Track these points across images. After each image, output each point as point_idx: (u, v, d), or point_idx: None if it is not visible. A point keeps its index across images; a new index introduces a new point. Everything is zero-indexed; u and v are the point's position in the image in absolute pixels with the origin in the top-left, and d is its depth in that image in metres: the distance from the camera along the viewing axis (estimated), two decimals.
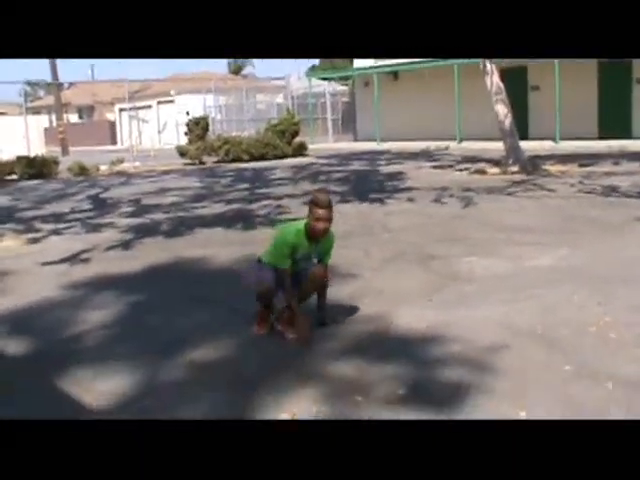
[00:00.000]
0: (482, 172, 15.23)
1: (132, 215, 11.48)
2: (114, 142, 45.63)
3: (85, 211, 12.35)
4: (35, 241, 9.29)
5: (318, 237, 4.76)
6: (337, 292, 5.74)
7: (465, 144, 24.21)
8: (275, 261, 4.80)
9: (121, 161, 22.24)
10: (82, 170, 20.58)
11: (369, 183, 14.60)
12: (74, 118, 51.98)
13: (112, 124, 47.38)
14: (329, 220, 4.73)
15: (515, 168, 14.90)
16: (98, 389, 4.08)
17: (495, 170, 15.22)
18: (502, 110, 15.55)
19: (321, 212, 4.67)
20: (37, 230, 10.23)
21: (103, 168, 21.49)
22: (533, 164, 15.20)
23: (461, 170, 16.07)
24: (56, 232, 9.97)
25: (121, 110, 42.40)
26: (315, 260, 4.95)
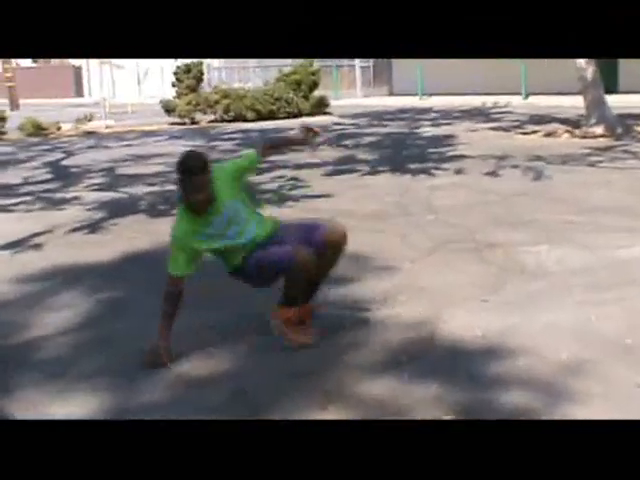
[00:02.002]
0: (555, 135, 15.14)
1: (103, 188, 11.54)
2: (80, 94, 45.87)
3: (42, 182, 12.44)
4: None
5: (204, 209, 4.72)
6: (368, 289, 5.72)
7: (532, 99, 24.09)
8: (173, 270, 4.80)
9: (89, 119, 22.33)
10: (38, 129, 20.74)
11: (408, 149, 14.57)
12: (26, 61, 52.11)
13: (77, 70, 47.50)
14: (205, 187, 4.64)
15: (599, 130, 14.79)
16: (56, 416, 4.07)
17: (572, 133, 15.12)
18: None
19: (195, 180, 4.60)
20: None
21: (66, 127, 21.65)
22: (623, 125, 15.10)
23: (527, 133, 15.99)
24: (2, 209, 10.05)
25: None
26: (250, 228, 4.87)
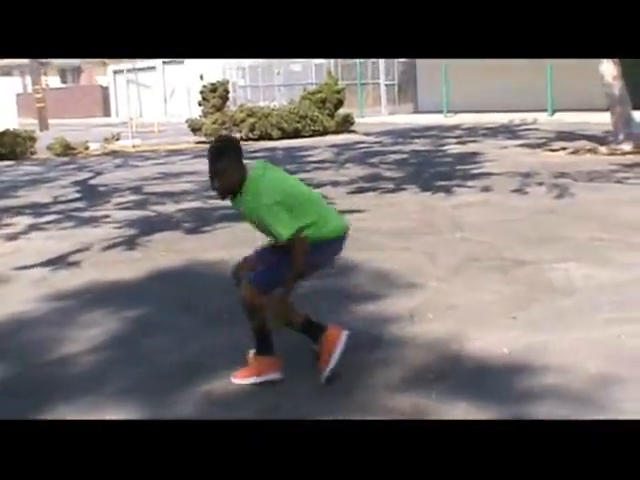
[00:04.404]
0: (582, 152, 15.08)
1: (132, 207, 11.64)
2: (107, 114, 46.21)
3: (71, 201, 12.56)
4: (7, 239, 9.46)
5: (221, 195, 4.80)
6: (395, 307, 5.74)
7: (558, 116, 24.00)
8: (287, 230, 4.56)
9: (117, 138, 22.55)
10: (66, 149, 20.95)
11: (434, 167, 14.58)
12: (55, 82, 52.64)
13: (105, 90, 47.95)
14: (215, 174, 4.64)
15: (627, 147, 14.73)
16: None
17: (599, 150, 15.06)
18: (609, 70, 15.35)
19: (209, 164, 4.63)
20: (9, 225, 10.43)
21: (93, 147, 21.84)
22: None
23: (554, 150, 15.94)
24: (34, 228, 10.15)
25: (116, 72, 42.95)
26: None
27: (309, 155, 17.96)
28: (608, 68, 15.32)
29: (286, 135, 22.90)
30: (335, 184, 12.57)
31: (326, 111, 24.03)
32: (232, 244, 8.44)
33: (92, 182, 15.03)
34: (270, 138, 22.76)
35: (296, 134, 22.99)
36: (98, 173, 16.43)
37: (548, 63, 24.33)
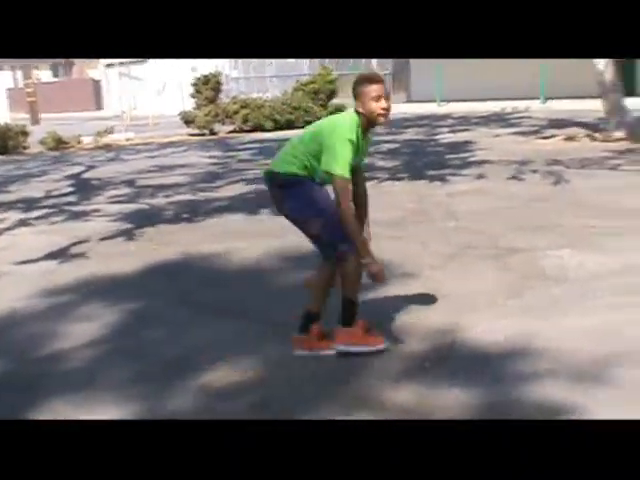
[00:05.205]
0: (575, 139, 15.11)
1: (126, 200, 11.62)
2: (99, 107, 46.15)
3: (64, 195, 12.53)
4: (0, 234, 9.45)
5: (375, 125, 4.80)
6: (390, 296, 5.74)
7: (551, 104, 24.03)
8: (346, 172, 4.54)
9: (110, 131, 22.48)
10: (59, 143, 20.91)
11: (427, 156, 14.59)
12: (47, 76, 52.54)
13: (96, 84, 47.87)
14: (388, 97, 4.73)
15: (619, 133, 14.76)
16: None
17: (592, 137, 15.08)
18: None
19: (378, 88, 4.65)
20: (1, 221, 10.39)
21: (86, 140, 21.81)
22: None
23: (547, 137, 15.97)
24: (27, 223, 10.14)
25: (108, 66, 42.83)
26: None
27: None
28: None
29: (279, 126, 22.86)
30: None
31: (319, 102, 24.00)
32: (224, 235, 8.46)
33: (85, 176, 15.00)
34: (263, 129, 22.73)
35: (289, 125, 22.94)
36: (91, 167, 16.40)
37: None
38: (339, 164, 4.51)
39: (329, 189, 4.68)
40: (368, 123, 4.72)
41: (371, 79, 4.69)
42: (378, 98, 4.61)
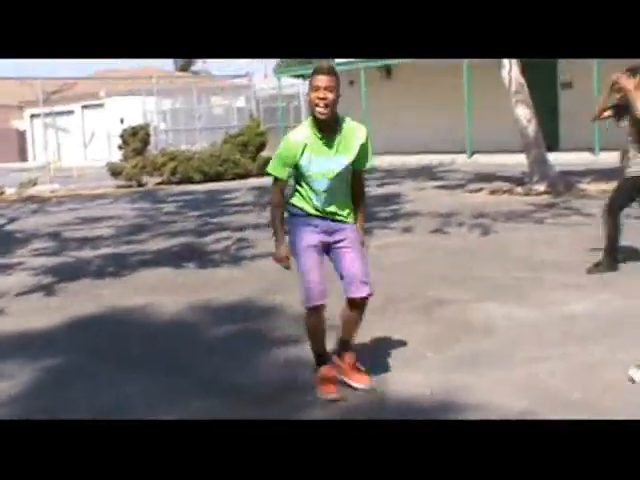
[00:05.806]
0: (499, 193, 15.35)
1: (49, 253, 11.41)
2: (24, 158, 45.51)
3: None
4: None
5: (327, 120, 4.64)
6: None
7: (477, 158, 24.44)
8: (272, 170, 4.86)
9: (34, 183, 22.22)
10: None
11: None
12: None
13: (21, 134, 47.33)
14: (333, 90, 4.57)
15: (541, 187, 15.06)
16: None
17: (516, 190, 15.35)
18: (524, 114, 15.76)
19: (320, 78, 4.55)
20: None
21: (9, 192, 21.53)
22: (565, 182, 15.36)
23: (473, 191, 16.20)
24: None
25: (33, 116, 42.44)
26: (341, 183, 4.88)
27: (231, 198, 17.92)
28: (523, 111, 15.71)
29: (208, 178, 22.82)
30: (257, 227, 12.53)
31: (248, 154, 24.06)
32: (150, 289, 8.35)
33: (7, 228, 14.74)
34: (192, 181, 22.67)
35: (218, 177, 22.94)
36: (13, 219, 16.12)
37: (465, 106, 24.81)
38: (271, 163, 4.87)
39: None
40: (316, 118, 4.65)
41: (317, 69, 4.60)
42: (316, 88, 4.54)
